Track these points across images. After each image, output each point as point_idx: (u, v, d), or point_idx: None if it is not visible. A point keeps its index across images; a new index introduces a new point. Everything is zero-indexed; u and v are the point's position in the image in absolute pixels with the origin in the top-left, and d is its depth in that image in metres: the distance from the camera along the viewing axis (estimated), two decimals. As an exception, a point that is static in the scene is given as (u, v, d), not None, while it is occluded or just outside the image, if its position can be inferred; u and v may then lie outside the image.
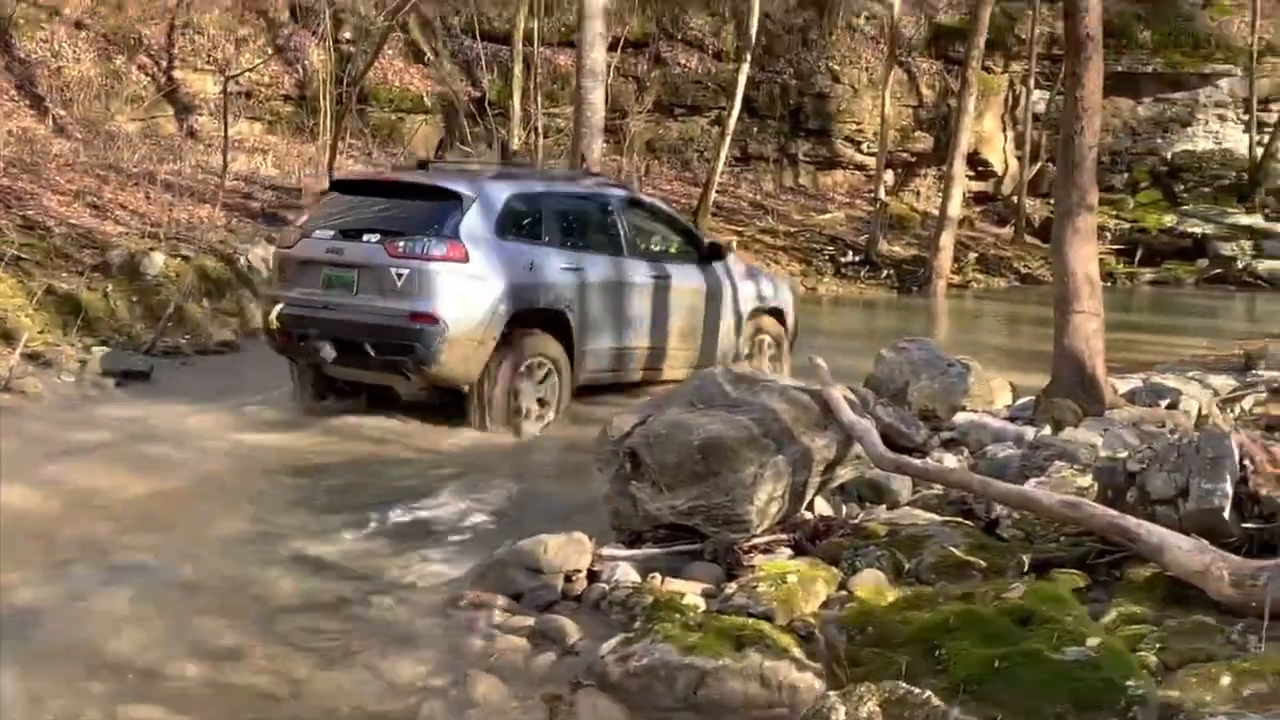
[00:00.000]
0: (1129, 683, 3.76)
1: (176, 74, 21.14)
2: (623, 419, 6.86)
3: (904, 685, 3.62)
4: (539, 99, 21.42)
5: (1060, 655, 3.78)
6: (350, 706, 4.85)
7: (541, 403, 10.20)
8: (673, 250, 11.91)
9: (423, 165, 11.57)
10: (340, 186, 11.38)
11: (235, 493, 8.11)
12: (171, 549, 6.83)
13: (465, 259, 9.73)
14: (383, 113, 22.95)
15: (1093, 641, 3.86)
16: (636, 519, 6.55)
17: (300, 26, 22.56)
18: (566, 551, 6.10)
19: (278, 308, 10.17)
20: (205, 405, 10.48)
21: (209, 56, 21.29)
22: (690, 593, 5.72)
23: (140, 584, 6.22)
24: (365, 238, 9.93)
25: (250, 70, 20.53)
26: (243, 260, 15.34)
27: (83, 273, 13.83)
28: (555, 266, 10.36)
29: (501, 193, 10.29)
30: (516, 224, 10.32)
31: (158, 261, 14.35)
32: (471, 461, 9.09)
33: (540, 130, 21.42)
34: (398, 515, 7.58)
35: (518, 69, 20.35)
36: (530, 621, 5.64)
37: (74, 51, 20.18)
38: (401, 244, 9.74)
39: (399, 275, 9.66)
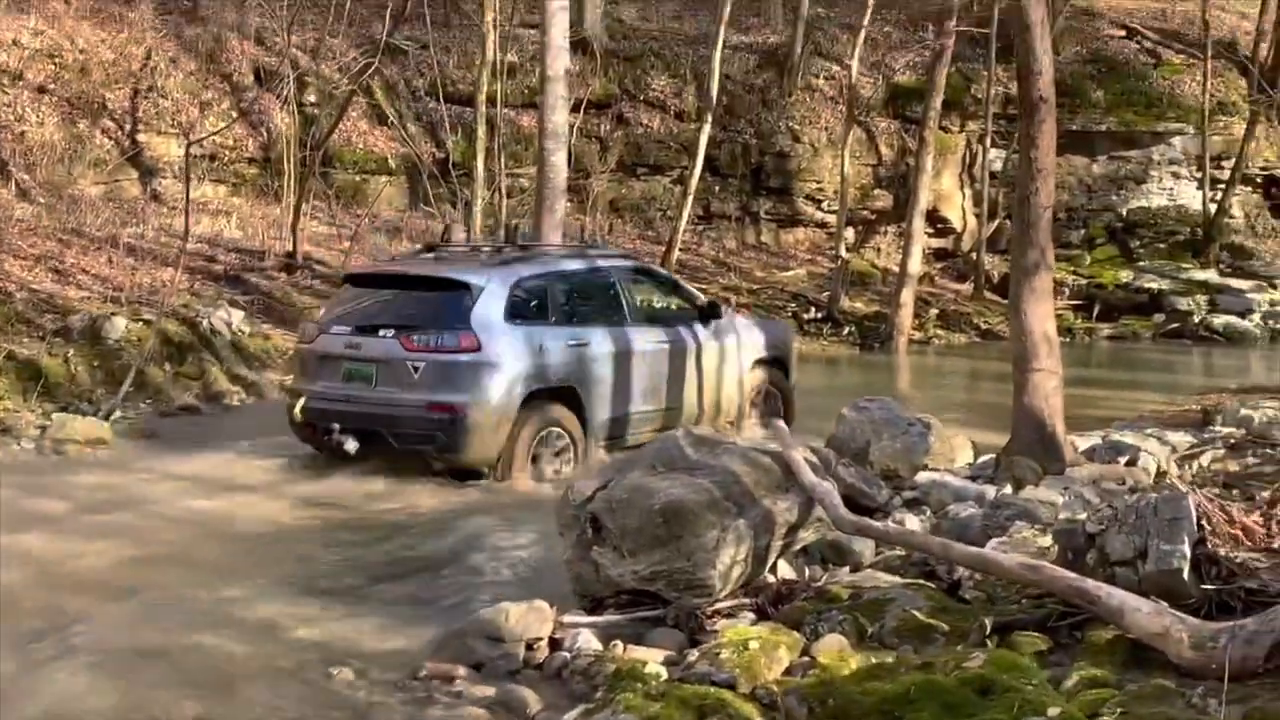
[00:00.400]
0: (1090, 752, 3.72)
1: (140, 138, 21.03)
2: (584, 483, 6.81)
3: (865, 759, 3.58)
4: (503, 160, 21.41)
5: (1021, 725, 3.75)
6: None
7: (558, 470, 10.44)
8: (674, 312, 12.34)
9: (430, 249, 12.15)
10: (354, 280, 11.83)
11: (198, 560, 8.00)
12: (132, 617, 6.72)
13: (478, 348, 10.13)
14: (347, 174, 22.87)
15: (1053, 711, 3.83)
16: (598, 584, 6.49)
17: (264, 90, 22.51)
18: (528, 619, 6.04)
19: (301, 401, 10.53)
20: (172, 469, 10.42)
21: (173, 120, 21.20)
22: (652, 660, 5.66)
23: (100, 654, 6.11)
24: (381, 333, 10.36)
25: (214, 134, 20.44)
26: (205, 323, 15.24)
27: (44, 338, 13.75)
28: (564, 344, 10.72)
29: (508, 279, 10.66)
30: (524, 308, 10.68)
31: (119, 326, 14.25)
32: (440, 525, 9.00)
33: (504, 191, 21.41)
34: (358, 583, 7.50)
35: (481, 130, 20.30)
36: (491, 692, 5.58)
37: (37, 116, 20.04)
38: (416, 338, 10.18)
39: (415, 368, 10.12)
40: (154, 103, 21.45)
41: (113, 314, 14.50)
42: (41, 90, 20.45)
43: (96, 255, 17.04)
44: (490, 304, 10.36)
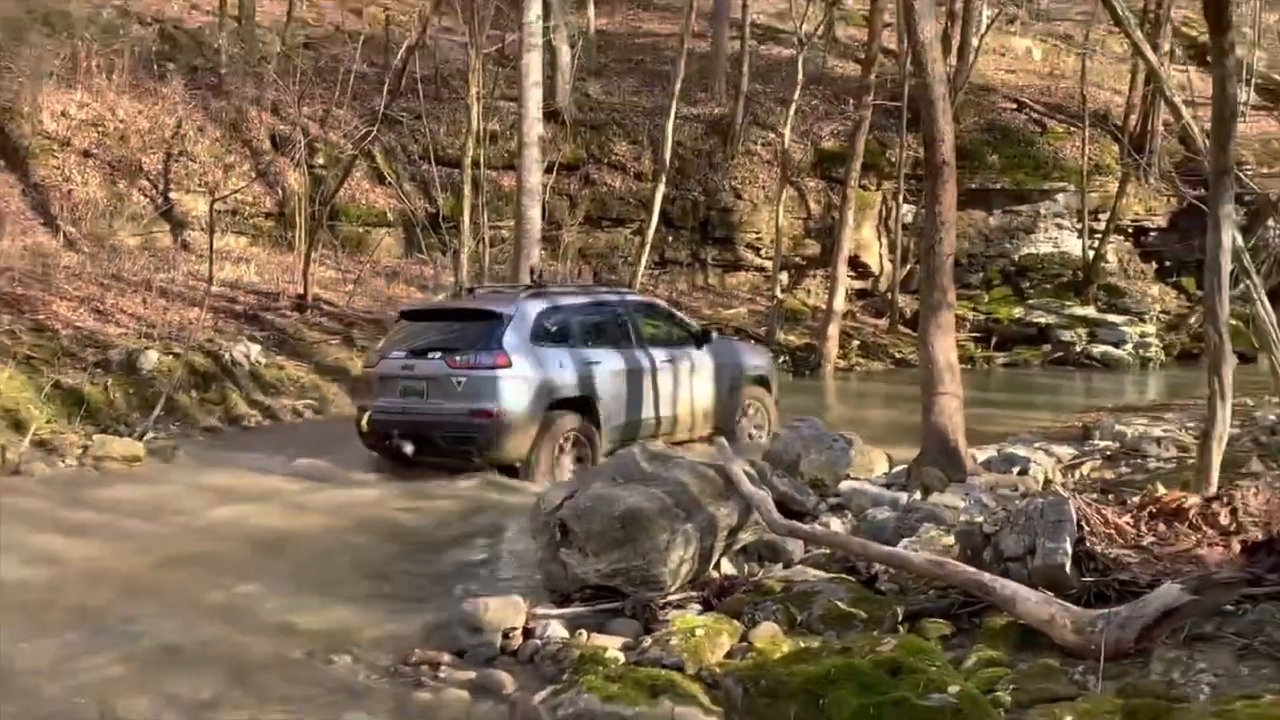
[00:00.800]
0: (985, 724, 3.71)
1: (172, 195, 20.86)
2: (553, 493, 6.78)
3: (792, 733, 3.55)
4: (486, 214, 21.37)
5: (926, 702, 3.71)
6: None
7: (578, 466, 10.88)
8: (674, 338, 12.63)
9: (470, 291, 13.22)
10: (407, 315, 12.31)
11: (217, 562, 7.89)
12: (158, 612, 6.62)
13: (509, 365, 10.67)
14: (351, 226, 22.77)
15: (953, 689, 3.80)
16: (566, 581, 6.45)
17: (279, 154, 22.43)
18: (504, 612, 6.00)
19: (367, 414, 11.11)
20: (197, 481, 10.29)
21: (200, 180, 21.03)
22: (612, 646, 5.63)
23: (127, 645, 6.02)
24: (430, 355, 10.92)
25: (236, 192, 20.32)
26: (227, 356, 15.10)
27: (86, 369, 13.55)
28: (580, 362, 11.24)
29: (533, 310, 11.21)
30: (547, 332, 11.19)
31: (152, 358, 14.09)
32: (439, 530, 8.92)
33: (487, 241, 21.37)
34: (359, 580, 7.42)
35: (467, 189, 20.24)
36: (472, 675, 5.53)
37: (82, 176, 19.86)
38: (459, 358, 10.76)
39: (458, 383, 10.65)
40: (184, 165, 21.30)
41: (147, 348, 14.33)
42: (86, 154, 20.27)
43: (133, 297, 16.85)
44: (518, 329, 10.90)
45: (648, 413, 11.80)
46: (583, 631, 5.89)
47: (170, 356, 14.35)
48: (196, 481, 10.51)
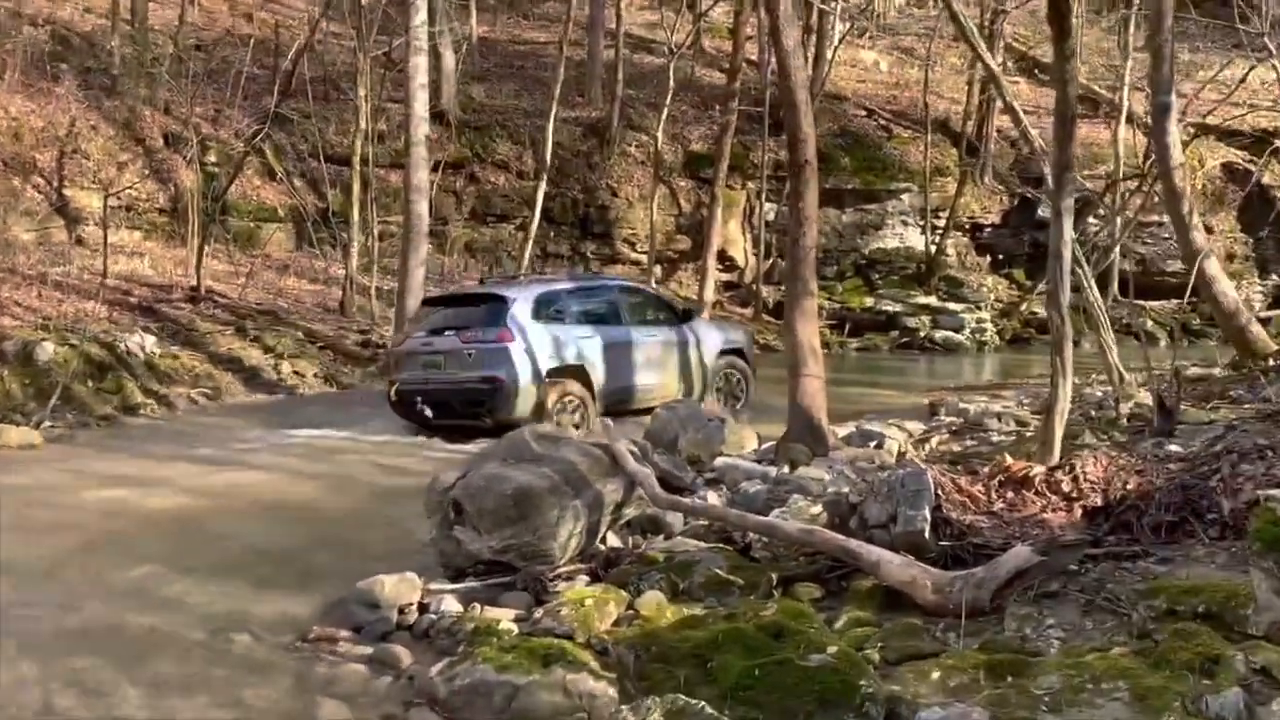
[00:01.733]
0: (862, 682, 3.67)
1: (66, 191, 19.86)
2: (446, 474, 6.59)
3: (683, 697, 3.46)
4: (374, 210, 20.86)
5: (807, 662, 3.68)
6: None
7: (576, 425, 11.41)
8: (659, 315, 13.57)
9: (481, 281, 14.78)
10: (428, 302, 13.73)
11: (115, 546, 7.47)
12: (55, 597, 6.23)
13: (513, 339, 11.70)
14: (243, 222, 22.05)
15: (832, 649, 3.77)
16: (460, 558, 6.28)
17: (172, 151, 21.63)
18: (400, 589, 5.82)
19: (395, 386, 12.14)
20: (93, 467, 9.75)
21: (94, 177, 20.03)
22: (505, 619, 5.48)
23: (22, 631, 5.64)
24: (446, 333, 12.05)
25: (129, 188, 19.49)
26: (122, 347, 14.46)
27: (-21, 360, 12.80)
28: (575, 337, 12.25)
29: (533, 293, 12.34)
30: (545, 312, 12.19)
31: (49, 349, 13.42)
32: (330, 508, 8.61)
33: (376, 235, 20.87)
34: (257, 561, 7.10)
35: (356, 185, 19.81)
36: (369, 650, 5.33)
37: (-26, 173, 18.81)
38: (470, 334, 11.86)
39: (470, 354, 11.76)
40: (78, 162, 20.31)
41: (43, 339, 13.63)
42: (-22, 152, 19.18)
43: (28, 290, 16.01)
44: (520, 309, 11.92)
45: (635, 380, 12.64)
46: (476, 605, 5.73)
47: (66, 347, 13.68)
48: (94, 468, 9.99)
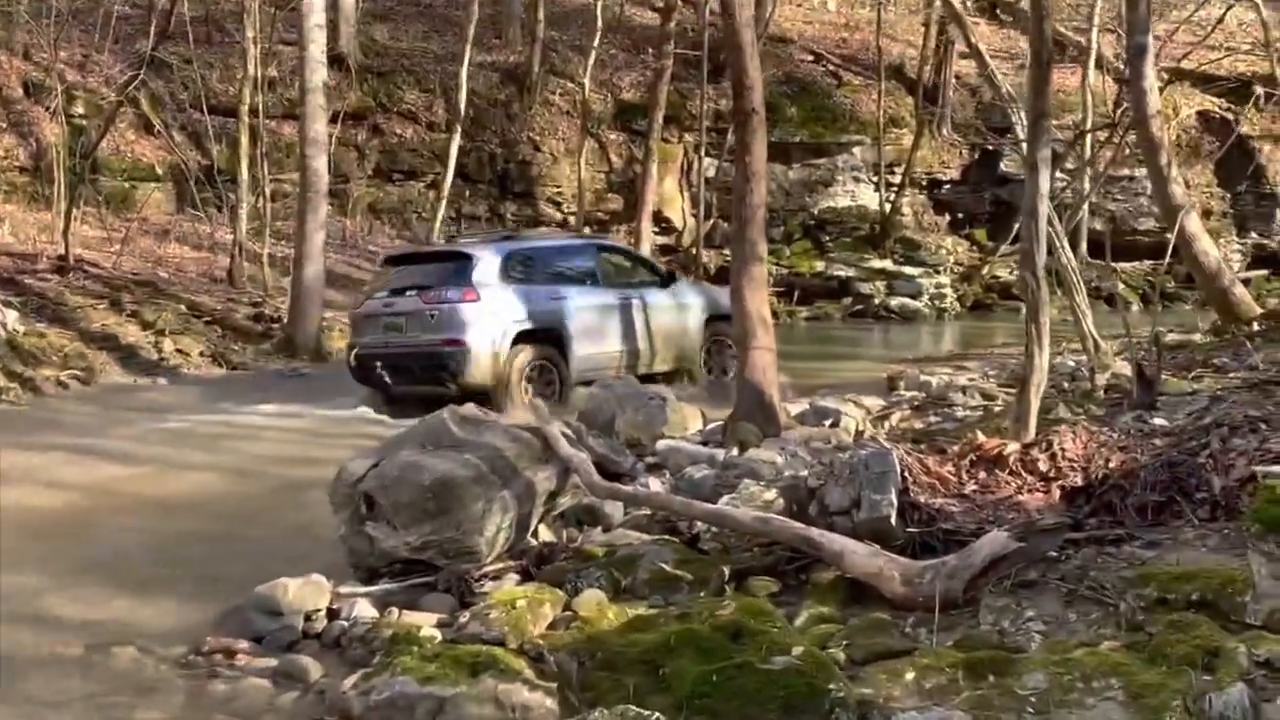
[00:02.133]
0: (830, 686, 3.66)
1: (-92, 148, 19.34)
2: (356, 463, 6.46)
3: (633, 708, 3.42)
4: (266, 167, 20.50)
5: (769, 665, 3.66)
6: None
7: (546, 394, 11.88)
8: (640, 278, 13.93)
9: (451, 239, 14.82)
10: (390, 260, 14.11)
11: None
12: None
13: (477, 299, 11.93)
14: (116, 182, 21.57)
15: (797, 650, 3.76)
16: (373, 557, 6.17)
17: (34, 102, 21.05)
18: (305, 592, 5.69)
19: (354, 350, 12.58)
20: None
21: (-60, 130, 19.57)
22: (426, 624, 5.39)
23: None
24: (408, 293, 12.29)
25: (-17, 143, 18.97)
26: (-25, 321, 14.07)
27: None
28: (547, 298, 12.48)
29: (501, 251, 12.65)
30: (514, 271, 12.45)
31: (-110, 327, 12.97)
32: (222, 504, 8.43)
33: (269, 195, 20.50)
34: (140, 565, 6.92)
35: (244, 139, 19.47)
36: (273, 663, 5.21)
37: None
38: (432, 294, 12.10)
39: (432, 316, 12.00)
40: (-80, 114, 19.69)
41: (-117, 315, 13.21)
42: None
43: None
44: (486, 268, 12.17)
45: (613, 346, 12.94)
46: (393, 610, 5.62)
47: (-88, 325, 13.25)
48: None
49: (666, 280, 14.01)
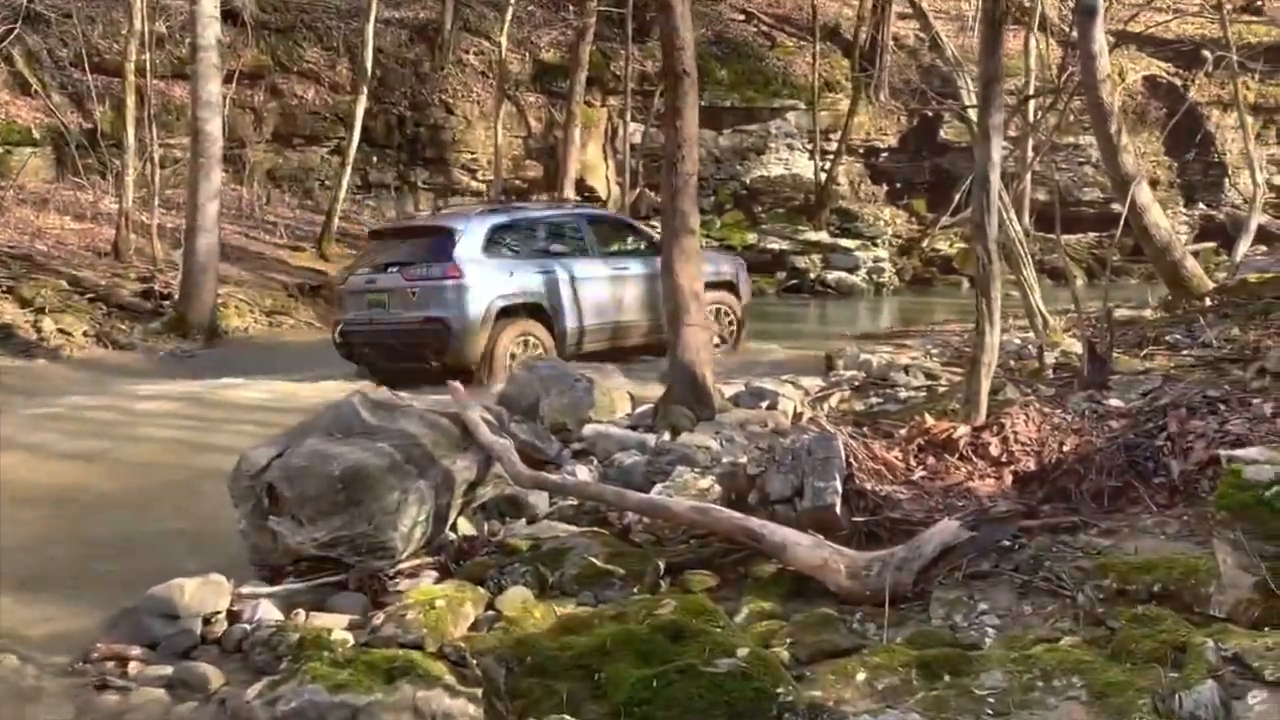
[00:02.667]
0: (778, 690, 3.63)
1: None
2: (258, 452, 6.31)
3: (567, 717, 3.36)
4: (154, 130, 20.05)
5: (713, 668, 3.61)
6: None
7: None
8: (631, 247, 14.37)
9: (437, 210, 15.90)
10: (375, 235, 14.80)
11: None
12: None
13: (460, 275, 12.34)
14: (-12, 146, 21.08)
15: (742, 652, 3.72)
16: (277, 554, 6.04)
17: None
18: (203, 593, 5.53)
19: (339, 327, 13.18)
20: None
21: None
22: (337, 627, 5.30)
23: None
24: (389, 269, 12.78)
25: None
26: None
27: None
28: (534, 271, 12.96)
29: (484, 224, 13.02)
30: (500, 244, 12.94)
31: None
32: (116, 498, 8.22)
33: (157, 160, 20.05)
34: (23, 564, 6.71)
35: (130, 100, 19.02)
36: (168, 671, 5.07)
37: None
38: (413, 270, 12.57)
39: (413, 293, 12.47)
40: None
41: None
42: None
43: None
44: (469, 242, 12.57)
45: (604, 318, 13.36)
46: (300, 611, 5.52)
47: None
48: None
49: (660, 248, 14.18)
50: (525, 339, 12.61)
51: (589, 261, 13.50)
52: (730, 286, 14.85)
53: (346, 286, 13.40)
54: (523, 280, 12.80)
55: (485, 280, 12.43)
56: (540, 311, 12.84)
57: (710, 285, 13.96)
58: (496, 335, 12.34)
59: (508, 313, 12.54)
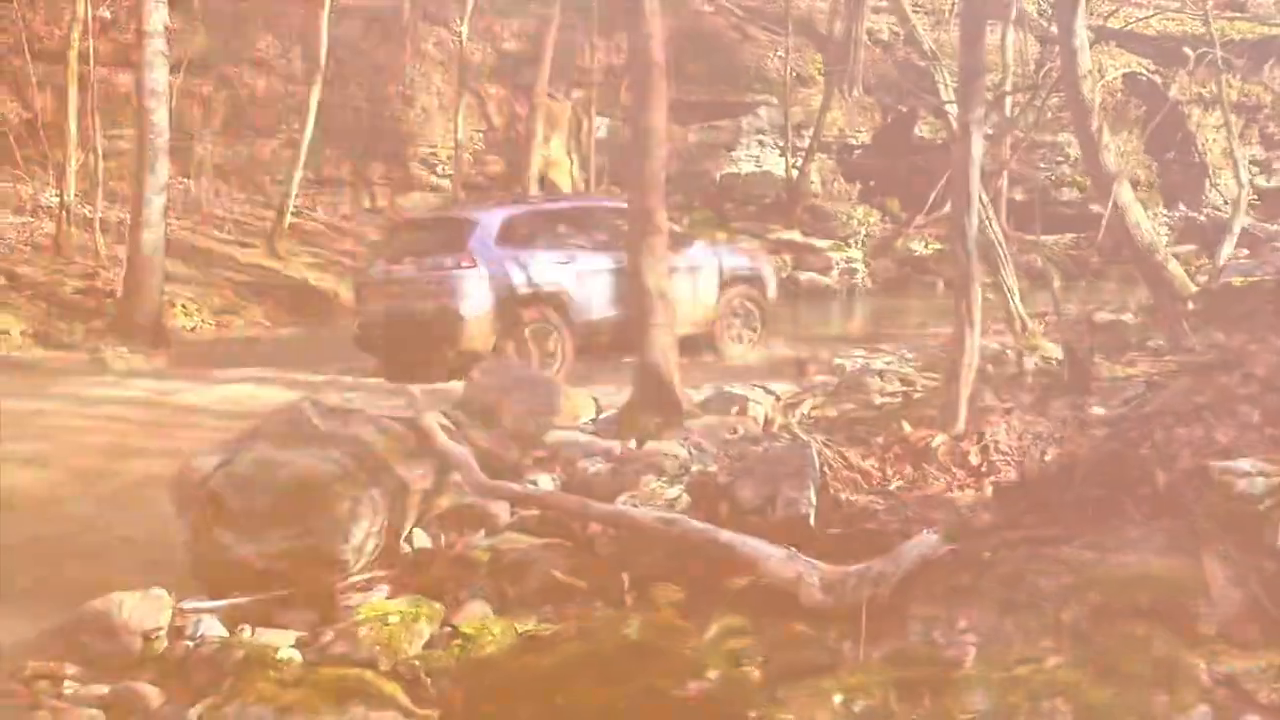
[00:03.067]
0: (749, 713, 3.58)
1: None
2: (202, 459, 6.21)
3: (528, 743, 3.30)
4: (97, 120, 19.84)
5: (683, 691, 3.55)
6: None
7: (549, 356, 12.81)
8: None
9: (456, 203, 16.18)
10: (395, 228, 15.54)
11: None
12: None
13: (474, 265, 12.78)
14: (-80, 136, 20.80)
15: (713, 674, 3.67)
16: (222, 567, 5.93)
17: None
18: (143, 608, 5.45)
19: (359, 319, 13.70)
20: None
21: None
22: (284, 644, 5.22)
23: None
24: (405, 260, 13.37)
25: None
26: None
27: None
28: (547, 262, 13.28)
29: (500, 215, 13.57)
30: (513, 236, 13.27)
31: None
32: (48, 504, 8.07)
33: (100, 152, 19.83)
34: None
35: (73, 89, 18.86)
36: (105, 690, 4.97)
37: None
38: (429, 260, 13.08)
39: (428, 284, 12.91)
40: None
41: None
42: None
43: None
44: (484, 233, 13.02)
45: (619, 311, 13.03)
46: (246, 627, 5.43)
47: None
48: None
49: (679, 242, 14.11)
50: (539, 330, 12.93)
51: (606, 254, 13.58)
52: (755, 281, 15.17)
53: (364, 279, 14.03)
54: (539, 272, 13.13)
55: (500, 270, 12.84)
56: (556, 304, 13.17)
57: (738, 279, 14.77)
58: (512, 326, 12.72)
59: (522, 303, 12.90)
